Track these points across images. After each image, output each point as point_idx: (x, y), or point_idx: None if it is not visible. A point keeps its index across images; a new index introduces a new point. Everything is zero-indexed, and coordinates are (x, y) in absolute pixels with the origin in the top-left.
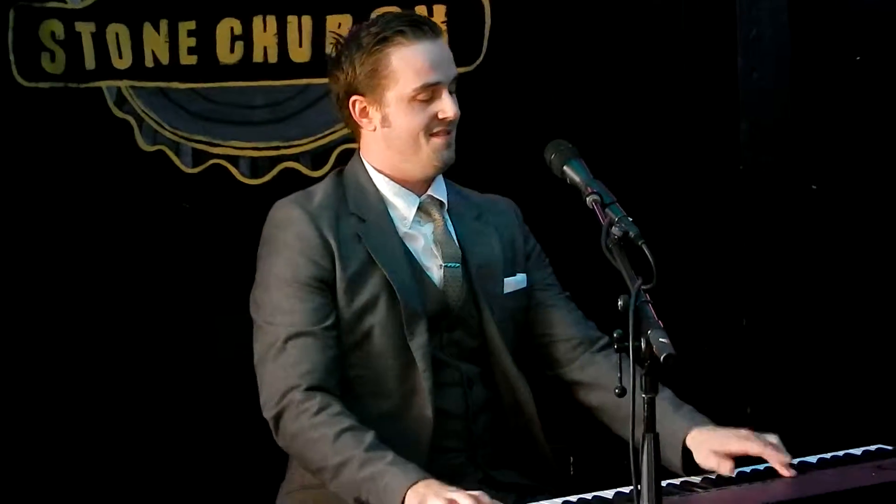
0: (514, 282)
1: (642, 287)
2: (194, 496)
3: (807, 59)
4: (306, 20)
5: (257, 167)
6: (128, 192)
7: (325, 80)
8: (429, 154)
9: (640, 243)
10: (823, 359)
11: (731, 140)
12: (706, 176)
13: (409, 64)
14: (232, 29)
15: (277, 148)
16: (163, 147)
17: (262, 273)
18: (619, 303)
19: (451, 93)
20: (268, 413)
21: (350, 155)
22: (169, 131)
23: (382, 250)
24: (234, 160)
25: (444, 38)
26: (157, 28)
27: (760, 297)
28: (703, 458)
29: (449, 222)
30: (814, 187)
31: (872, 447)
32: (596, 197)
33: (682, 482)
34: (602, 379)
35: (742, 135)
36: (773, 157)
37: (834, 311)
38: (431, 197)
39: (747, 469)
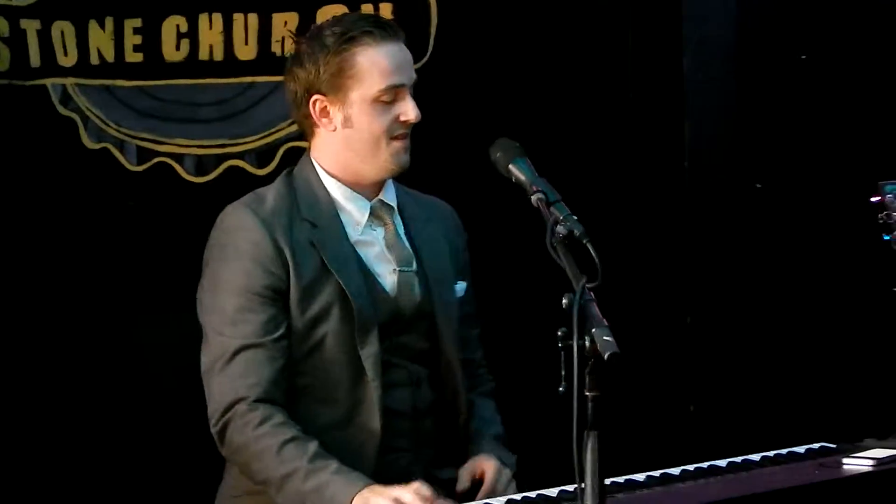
0: (459, 288)
1: (587, 285)
2: (125, 498)
3: (752, 58)
4: (252, 18)
5: (202, 165)
6: (73, 190)
7: (271, 79)
8: (387, 157)
9: (584, 242)
10: (767, 357)
11: (676, 138)
12: (651, 174)
13: (375, 64)
14: (178, 26)
15: (223, 146)
16: (108, 145)
17: (212, 279)
18: (564, 301)
19: (411, 95)
20: (213, 426)
21: (296, 153)
22: (114, 129)
23: (336, 258)
24: (179, 158)
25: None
26: (102, 25)
27: (705, 295)
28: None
29: (400, 226)
30: (758, 186)
31: (815, 445)
32: (541, 195)
33: (626, 480)
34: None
35: (687, 133)
36: (717, 156)
37: (778, 309)
38: (382, 201)
39: (691, 467)
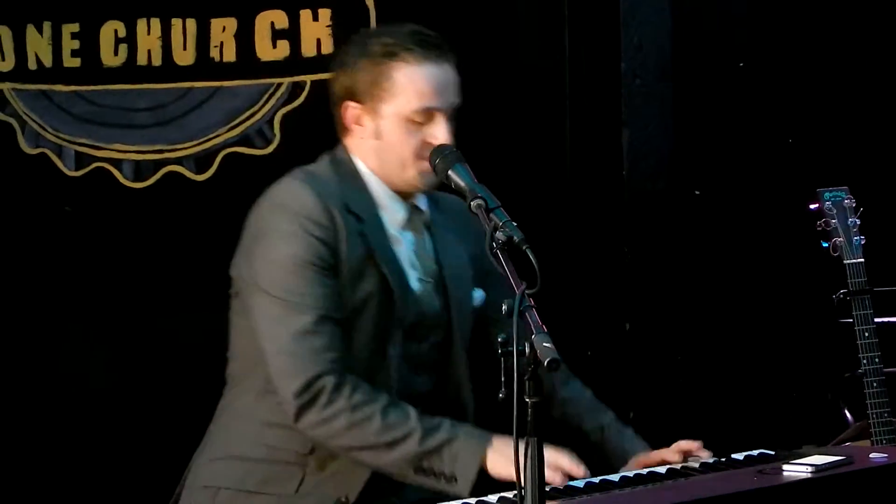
0: (478, 297)
1: (526, 292)
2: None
3: (689, 65)
4: (190, 23)
5: (140, 170)
6: (10, 195)
7: (209, 84)
8: (415, 176)
9: (524, 248)
10: (706, 363)
11: (614, 145)
12: (590, 181)
13: (412, 83)
14: (116, 31)
15: (161, 151)
16: (45, 150)
17: (273, 250)
18: (504, 307)
19: (448, 120)
20: (296, 398)
21: (235, 158)
22: (52, 134)
23: (384, 252)
24: (117, 163)
25: (454, 63)
26: (40, 30)
27: (644, 302)
28: None
29: (426, 234)
30: (697, 193)
31: (755, 452)
32: (480, 201)
33: (565, 487)
34: (575, 399)
35: (625, 140)
36: (656, 163)
37: (716, 316)
38: (416, 206)
39: (630, 473)
